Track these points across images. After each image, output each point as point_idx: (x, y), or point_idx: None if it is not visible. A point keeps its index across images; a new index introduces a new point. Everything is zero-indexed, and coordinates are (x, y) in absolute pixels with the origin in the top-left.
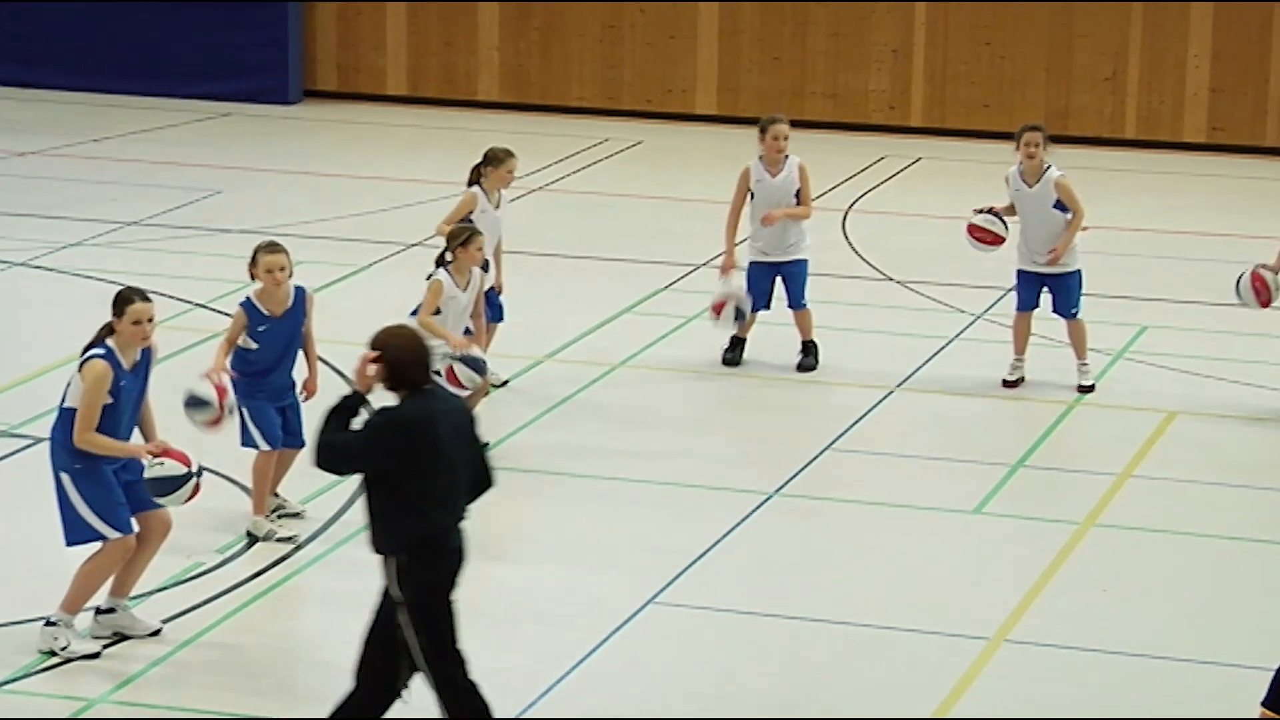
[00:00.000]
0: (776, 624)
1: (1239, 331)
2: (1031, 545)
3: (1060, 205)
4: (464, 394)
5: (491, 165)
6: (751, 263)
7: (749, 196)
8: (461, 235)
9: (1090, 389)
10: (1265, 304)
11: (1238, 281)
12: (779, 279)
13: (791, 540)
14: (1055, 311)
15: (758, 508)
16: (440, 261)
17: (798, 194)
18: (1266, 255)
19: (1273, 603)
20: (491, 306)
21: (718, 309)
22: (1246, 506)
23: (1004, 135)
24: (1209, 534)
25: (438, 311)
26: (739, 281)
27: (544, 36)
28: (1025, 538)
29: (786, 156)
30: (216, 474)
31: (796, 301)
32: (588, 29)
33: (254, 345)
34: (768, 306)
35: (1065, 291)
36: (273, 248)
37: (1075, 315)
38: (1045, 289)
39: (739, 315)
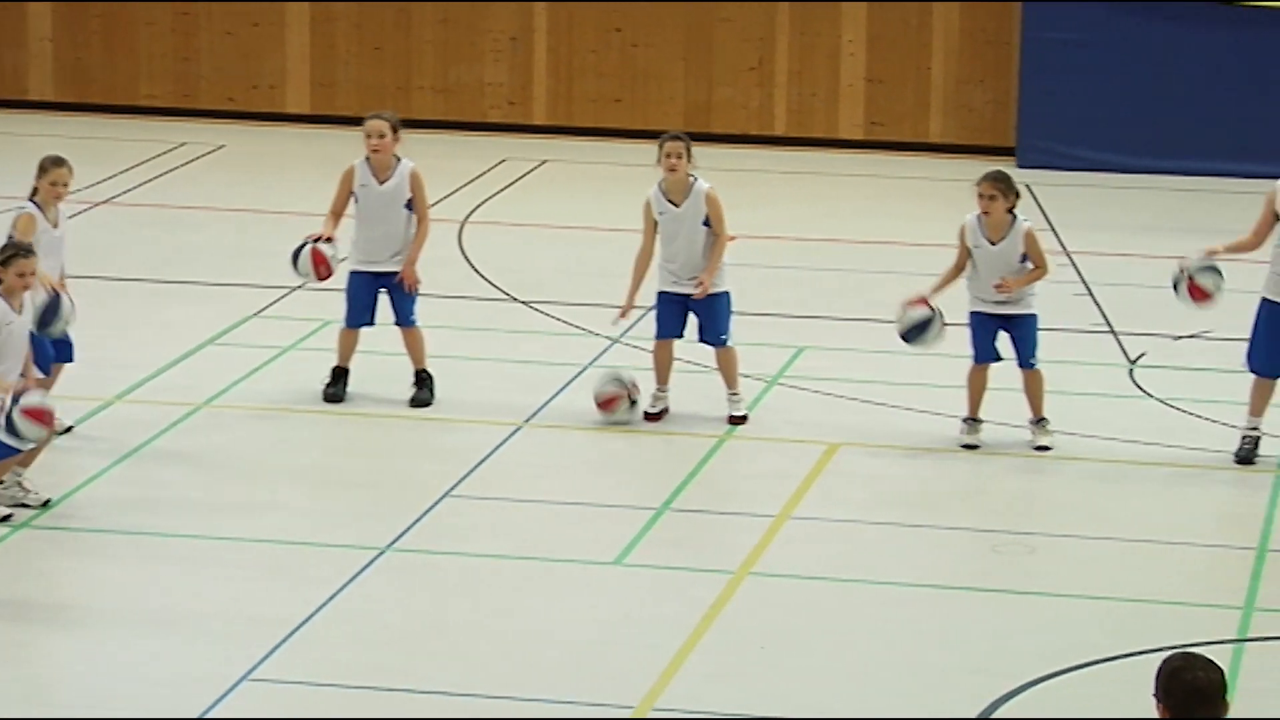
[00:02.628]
0: (391, 700)
1: (903, 351)
2: (680, 599)
3: (708, 222)
4: (27, 446)
5: (37, 177)
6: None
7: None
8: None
9: (743, 420)
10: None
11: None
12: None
13: (406, 602)
14: (701, 340)
15: (367, 566)
16: None
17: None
18: (931, 264)
19: (948, 653)
20: (59, 344)
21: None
22: (917, 547)
23: (638, 134)
24: (877, 580)
25: None
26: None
27: (106, 26)
28: (672, 590)
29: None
30: None
31: (405, 319)
32: (157, 17)
33: None
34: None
35: (713, 316)
36: None
37: (725, 342)
38: (691, 314)
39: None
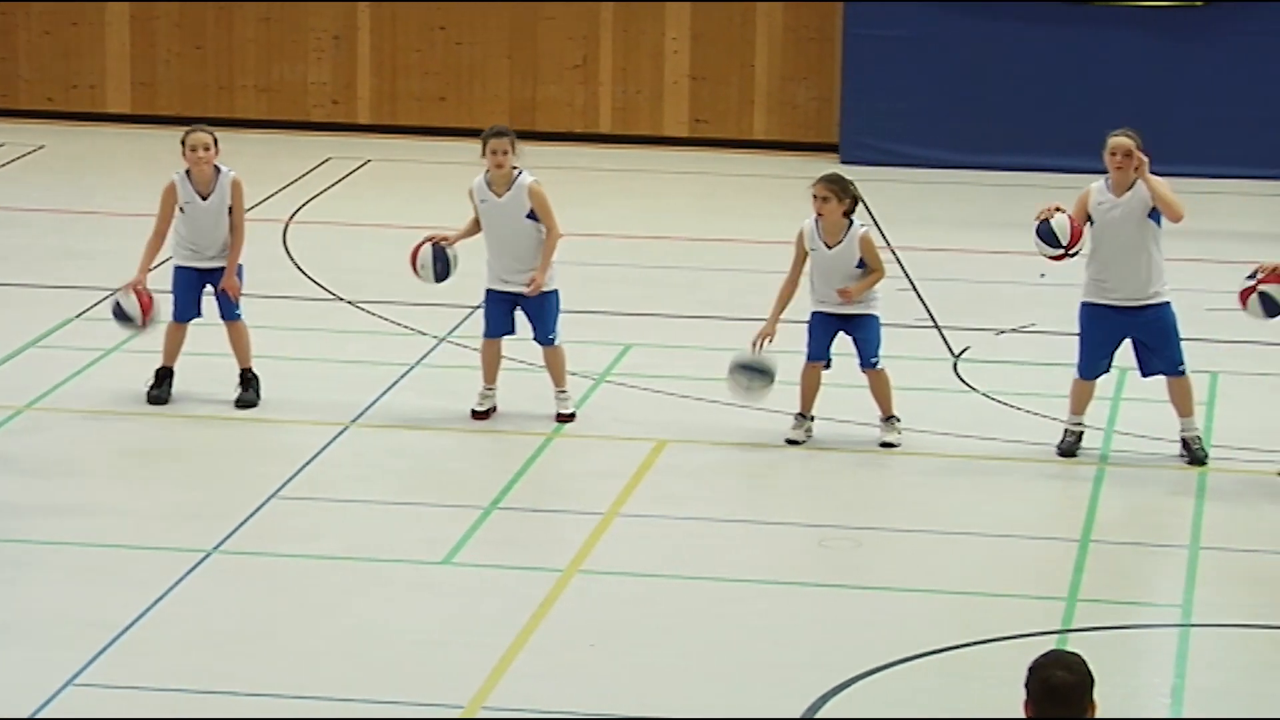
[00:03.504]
0: (221, 703)
1: (725, 348)
2: (508, 598)
3: (533, 215)
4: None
5: None
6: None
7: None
8: None
9: (570, 418)
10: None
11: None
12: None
13: (234, 604)
14: (535, 340)
15: (194, 568)
16: None
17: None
18: (757, 261)
19: (777, 649)
20: None
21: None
22: (745, 542)
23: (463, 132)
24: (706, 576)
25: None
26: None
27: None
28: (501, 589)
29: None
30: None
31: (230, 313)
32: None
33: None
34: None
35: (542, 315)
36: None
37: (553, 341)
38: (520, 312)
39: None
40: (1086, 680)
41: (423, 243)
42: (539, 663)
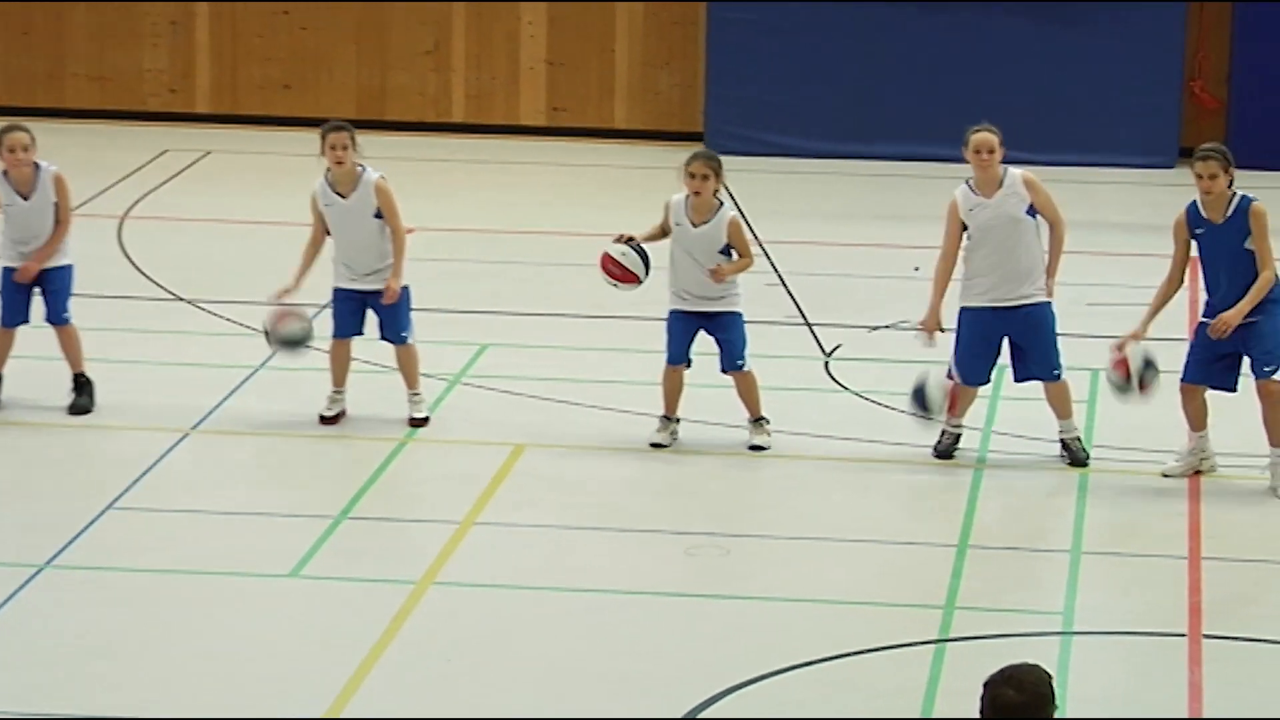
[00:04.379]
0: None
1: (587, 347)
2: (360, 612)
3: (379, 214)
4: None
5: None
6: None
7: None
8: None
9: (424, 421)
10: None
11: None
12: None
13: (69, 622)
14: (383, 338)
15: (26, 583)
16: None
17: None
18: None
19: (641, 661)
20: None
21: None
22: (608, 551)
23: (308, 122)
24: (567, 586)
25: None
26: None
27: None
28: (353, 603)
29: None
30: None
31: (57, 316)
32: None
33: None
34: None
35: (393, 313)
36: None
37: (405, 340)
38: (370, 311)
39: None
40: (1036, 700)
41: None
42: (393, 680)
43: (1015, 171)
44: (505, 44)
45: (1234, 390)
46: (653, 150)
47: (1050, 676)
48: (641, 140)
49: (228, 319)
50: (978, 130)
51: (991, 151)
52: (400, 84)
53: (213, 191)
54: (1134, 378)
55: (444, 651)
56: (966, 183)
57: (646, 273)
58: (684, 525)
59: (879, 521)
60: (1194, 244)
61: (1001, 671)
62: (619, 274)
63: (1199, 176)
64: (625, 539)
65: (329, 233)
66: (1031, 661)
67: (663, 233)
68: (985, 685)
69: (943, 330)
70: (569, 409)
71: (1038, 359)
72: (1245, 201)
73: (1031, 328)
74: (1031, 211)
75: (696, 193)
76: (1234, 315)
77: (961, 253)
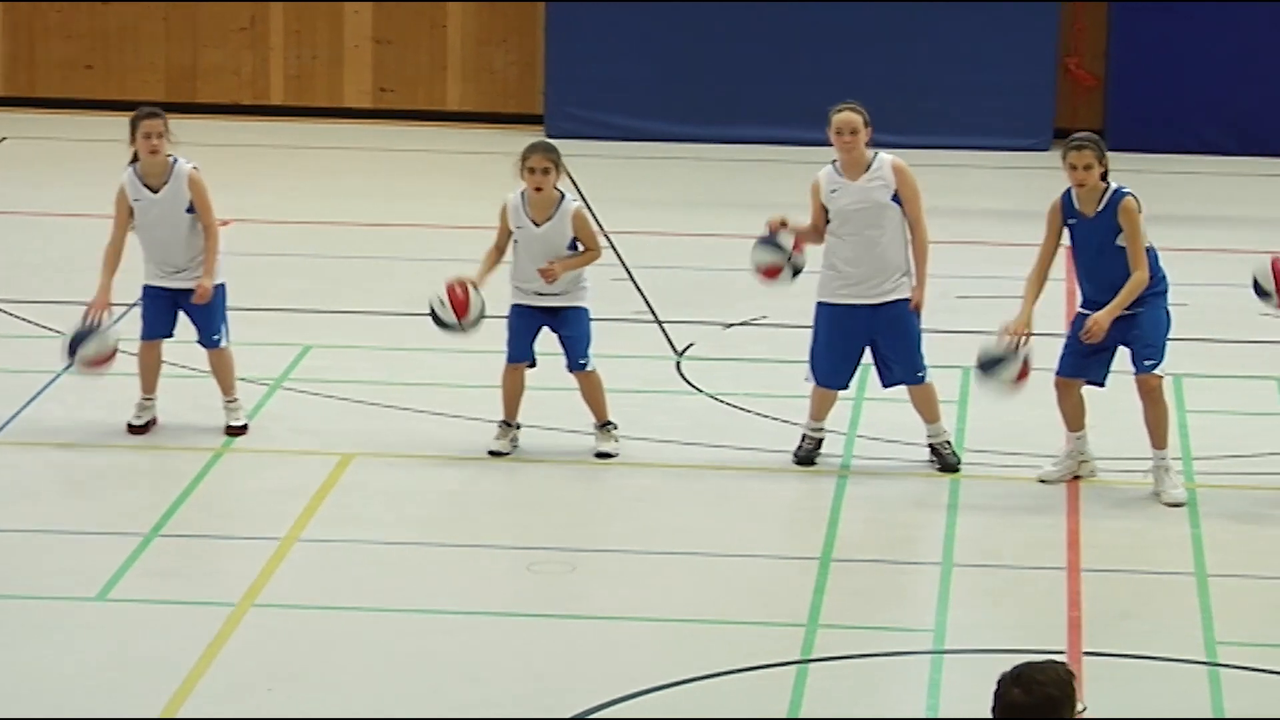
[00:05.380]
0: None
1: (420, 347)
2: (173, 637)
3: (191, 208)
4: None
5: None
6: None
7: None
8: None
9: (242, 430)
10: None
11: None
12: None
13: None
14: (200, 342)
15: None
16: None
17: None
18: (452, 249)
19: (480, 687)
20: None
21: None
22: (444, 568)
23: (113, 105)
24: (399, 607)
25: None
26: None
27: None
28: (165, 628)
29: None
30: None
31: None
32: None
33: None
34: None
35: (206, 313)
36: None
37: (219, 343)
38: (182, 312)
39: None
40: (1045, 703)
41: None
42: (209, 710)
43: (886, 156)
44: (328, 20)
45: (1102, 385)
46: (488, 134)
47: (1071, 677)
48: (476, 123)
49: (24, 319)
50: (840, 109)
51: (855, 132)
52: (213, 63)
53: (7, 180)
54: (1019, 353)
55: (265, 680)
56: (832, 164)
57: (478, 320)
58: (526, 540)
59: (735, 534)
60: (1066, 233)
61: (1016, 668)
62: (459, 299)
63: (1072, 167)
64: (462, 555)
65: (134, 229)
66: (1056, 659)
67: (496, 256)
68: (998, 681)
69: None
70: (400, 415)
71: (901, 361)
72: (1118, 196)
73: (893, 328)
74: (897, 200)
75: (538, 189)
76: (1104, 318)
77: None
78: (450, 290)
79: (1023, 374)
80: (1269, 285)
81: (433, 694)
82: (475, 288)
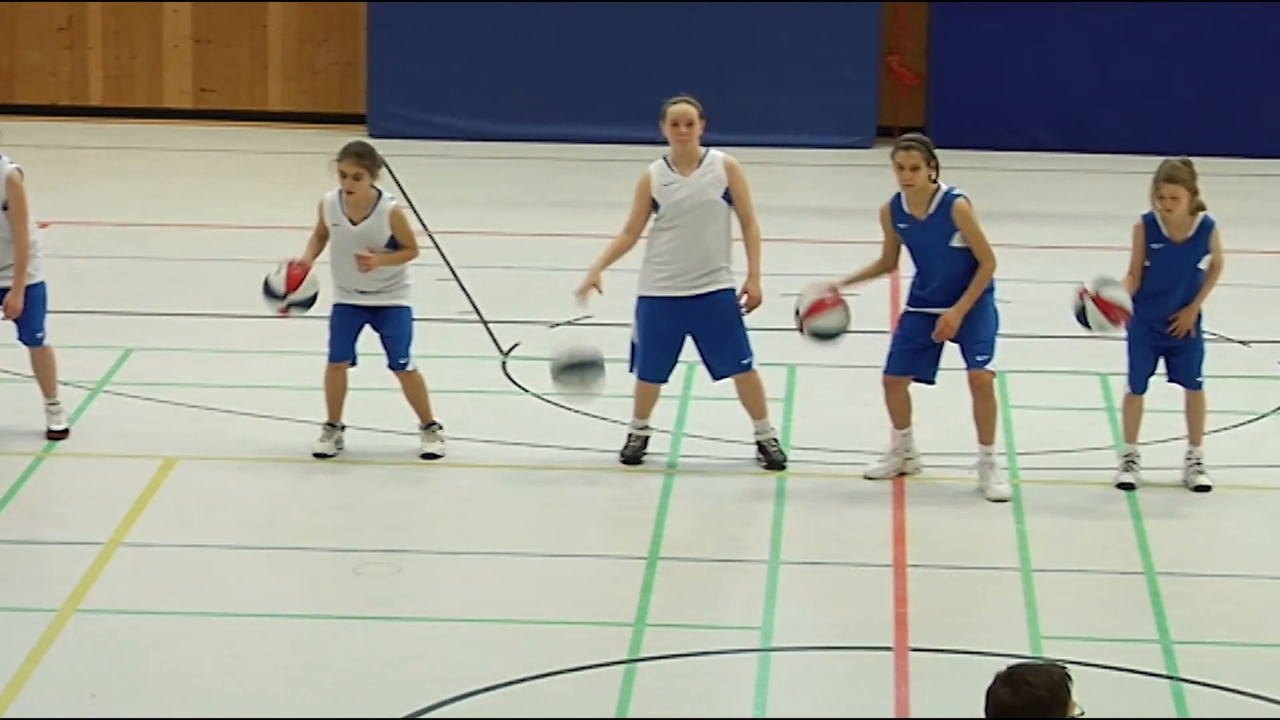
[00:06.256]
0: None
1: (242, 349)
2: None
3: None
4: None
5: None
6: None
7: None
8: None
9: (63, 434)
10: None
11: (1080, 311)
12: None
13: None
14: (21, 339)
15: None
16: None
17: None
18: (275, 250)
19: (308, 691)
20: None
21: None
22: (269, 571)
23: None
24: (225, 611)
25: None
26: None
27: None
28: None
29: None
30: None
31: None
32: None
33: None
34: None
35: (26, 313)
36: None
37: (40, 341)
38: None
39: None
40: (1032, 704)
41: None
42: (33, 714)
43: (716, 153)
44: (147, 19)
45: (933, 383)
46: (310, 134)
47: (1066, 680)
48: (298, 123)
49: None
50: (676, 102)
51: (690, 125)
52: (30, 63)
53: None
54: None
55: (89, 685)
56: (663, 158)
57: (305, 303)
58: (351, 542)
59: (563, 533)
60: (899, 237)
61: (1010, 668)
62: (295, 275)
63: (900, 167)
64: (287, 557)
65: None
66: (1055, 661)
67: (320, 242)
68: (992, 679)
69: (600, 290)
70: (223, 417)
71: (726, 349)
72: (949, 198)
73: (715, 316)
74: (727, 197)
75: (350, 191)
76: (955, 315)
77: (645, 235)
78: (290, 264)
79: (818, 307)
80: (1098, 320)
81: (260, 696)
82: (311, 273)
